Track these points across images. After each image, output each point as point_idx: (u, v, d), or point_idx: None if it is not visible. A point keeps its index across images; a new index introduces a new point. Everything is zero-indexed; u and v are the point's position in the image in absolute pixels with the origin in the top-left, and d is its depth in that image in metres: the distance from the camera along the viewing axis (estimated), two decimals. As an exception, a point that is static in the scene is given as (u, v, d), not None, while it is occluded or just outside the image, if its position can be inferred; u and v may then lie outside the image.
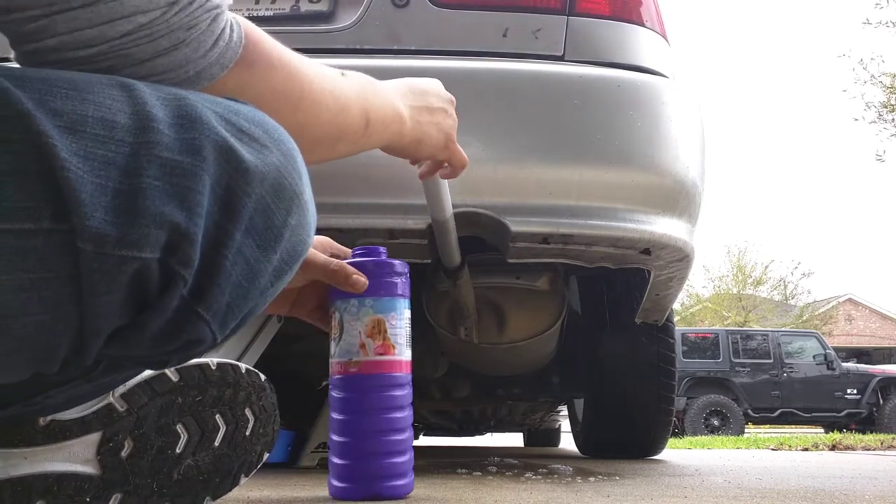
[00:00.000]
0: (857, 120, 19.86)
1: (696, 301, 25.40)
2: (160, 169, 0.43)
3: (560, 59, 1.50)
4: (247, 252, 0.48)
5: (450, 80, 1.48)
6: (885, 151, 23.05)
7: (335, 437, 0.98)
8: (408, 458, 1.00)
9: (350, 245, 1.52)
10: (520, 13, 1.52)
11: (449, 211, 1.23)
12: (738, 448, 5.25)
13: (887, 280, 46.63)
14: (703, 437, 9.26)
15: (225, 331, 0.50)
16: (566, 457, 2.85)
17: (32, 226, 0.39)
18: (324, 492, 1.14)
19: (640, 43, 1.55)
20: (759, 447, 5.34)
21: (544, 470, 1.76)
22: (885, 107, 15.20)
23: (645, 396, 2.26)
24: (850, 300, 27.54)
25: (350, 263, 0.98)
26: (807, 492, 1.35)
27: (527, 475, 1.61)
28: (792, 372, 12.22)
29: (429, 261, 1.55)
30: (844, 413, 11.98)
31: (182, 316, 0.46)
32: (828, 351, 12.45)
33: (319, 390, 2.30)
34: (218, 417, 0.78)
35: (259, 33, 0.58)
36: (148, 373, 0.73)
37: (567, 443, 5.28)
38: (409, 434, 1.00)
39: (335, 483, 0.99)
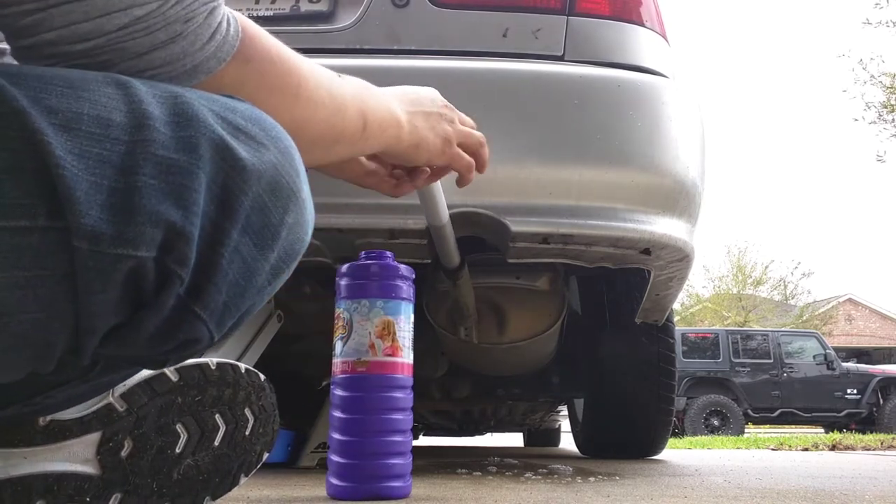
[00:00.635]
0: (857, 120, 19.87)
1: (696, 301, 25.40)
2: (156, 167, 0.43)
3: (560, 59, 1.50)
4: (244, 251, 0.48)
5: (450, 81, 1.49)
6: (885, 152, 23.06)
7: (337, 436, 0.99)
8: (407, 460, 1.00)
9: (350, 245, 1.53)
10: (520, 13, 1.52)
11: (445, 217, 1.23)
12: (738, 448, 5.25)
13: (887, 280, 46.68)
14: (703, 437, 9.26)
15: (222, 330, 0.50)
16: (566, 457, 2.85)
17: (28, 223, 0.39)
18: (323, 492, 1.14)
19: (639, 43, 1.55)
20: (759, 447, 5.34)
21: (544, 470, 1.76)
22: (885, 107, 15.19)
23: (645, 396, 2.26)
24: (850, 300, 27.53)
25: (359, 266, 0.98)
26: (807, 492, 1.35)
27: (527, 475, 1.61)
28: (792, 372, 12.22)
29: (429, 261, 1.55)
30: (844, 413, 11.98)
31: (178, 315, 0.46)
32: (828, 351, 12.45)
33: (319, 390, 2.30)
34: (217, 417, 0.78)
35: (256, 28, 0.58)
36: (147, 372, 0.73)
37: (567, 443, 5.28)
38: (409, 436, 1.01)
39: (335, 482, 0.99)
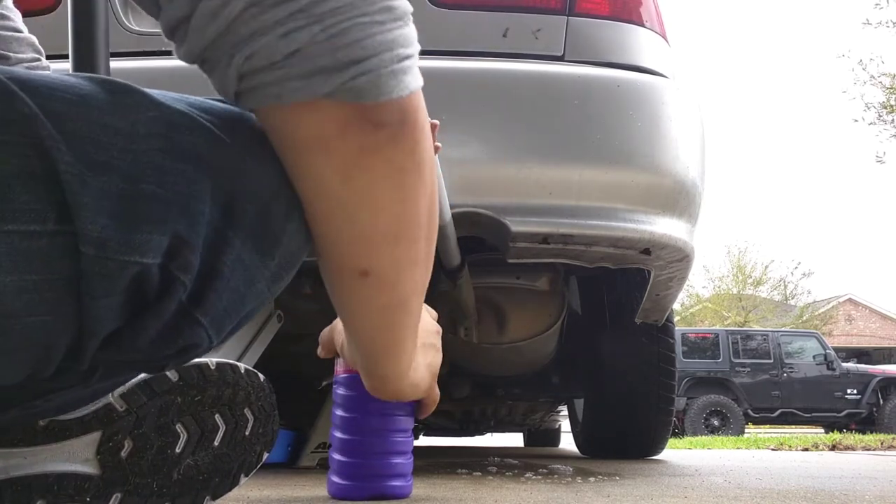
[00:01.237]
0: (856, 121, 19.84)
1: (696, 301, 25.41)
2: (162, 175, 0.43)
3: (560, 59, 1.50)
4: (246, 258, 0.48)
5: (449, 80, 1.49)
6: (885, 153, 23.09)
7: (339, 435, 0.98)
8: (409, 459, 1.00)
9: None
10: (520, 13, 1.52)
11: (447, 216, 1.24)
12: (738, 448, 5.25)
13: (887, 280, 46.67)
14: (703, 437, 9.26)
15: (221, 335, 0.51)
16: (566, 457, 2.85)
17: (38, 227, 0.40)
18: (324, 492, 1.14)
19: (639, 43, 1.56)
20: (759, 447, 5.34)
21: (544, 470, 1.76)
22: (885, 107, 15.20)
23: (645, 396, 2.26)
24: (850, 300, 27.54)
25: None
26: (807, 492, 1.35)
27: (527, 475, 1.61)
28: (792, 372, 12.22)
29: (429, 261, 1.55)
30: (844, 413, 11.99)
31: (179, 321, 0.47)
32: (828, 351, 12.46)
33: (319, 390, 2.30)
34: (217, 417, 0.78)
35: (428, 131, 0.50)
36: (147, 373, 0.73)
37: (567, 443, 5.28)
38: (410, 436, 1.01)
39: (336, 480, 0.99)
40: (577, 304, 2.33)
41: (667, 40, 1.64)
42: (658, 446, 2.47)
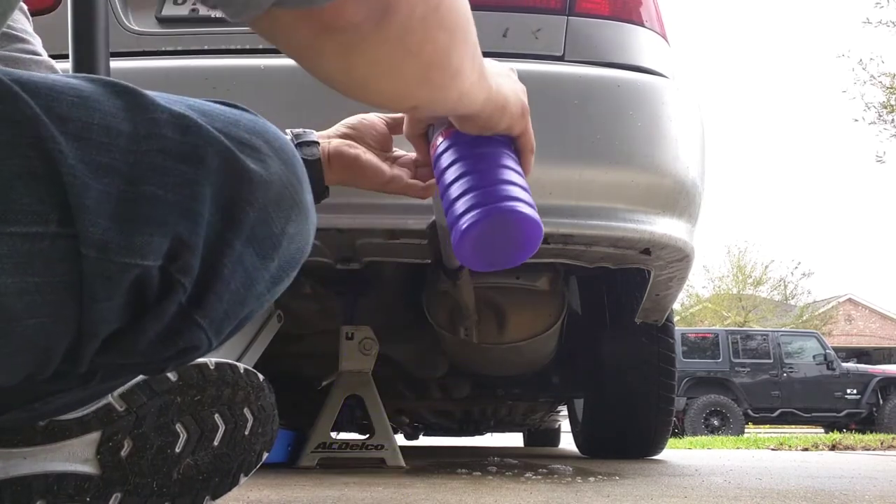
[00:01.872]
0: (857, 121, 19.83)
1: (696, 301, 25.41)
2: (163, 177, 0.43)
3: (560, 59, 1.50)
4: (246, 260, 0.48)
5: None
6: (885, 153, 23.07)
7: (456, 184, 0.80)
8: (529, 196, 0.80)
9: (350, 245, 1.53)
10: (520, 13, 1.52)
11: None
12: (738, 448, 5.25)
13: (887, 280, 46.69)
14: (703, 437, 9.26)
15: (220, 336, 0.51)
16: (566, 457, 2.85)
17: (41, 229, 0.40)
18: (324, 492, 1.14)
19: (639, 43, 1.55)
20: (759, 447, 5.34)
21: (544, 470, 1.76)
22: (885, 107, 15.20)
23: (645, 396, 2.26)
24: (850, 300, 27.54)
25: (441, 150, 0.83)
26: (807, 492, 1.35)
27: (527, 475, 1.61)
28: (792, 372, 12.22)
29: (429, 261, 1.55)
30: (844, 413, 11.99)
31: (179, 323, 0.47)
32: (828, 351, 12.46)
33: (319, 390, 2.30)
34: (217, 417, 0.78)
35: None
36: (147, 372, 0.73)
37: (567, 443, 5.28)
38: (522, 174, 0.83)
39: (465, 222, 0.77)
40: (577, 304, 2.33)
41: (667, 40, 1.64)
42: (658, 446, 2.47)
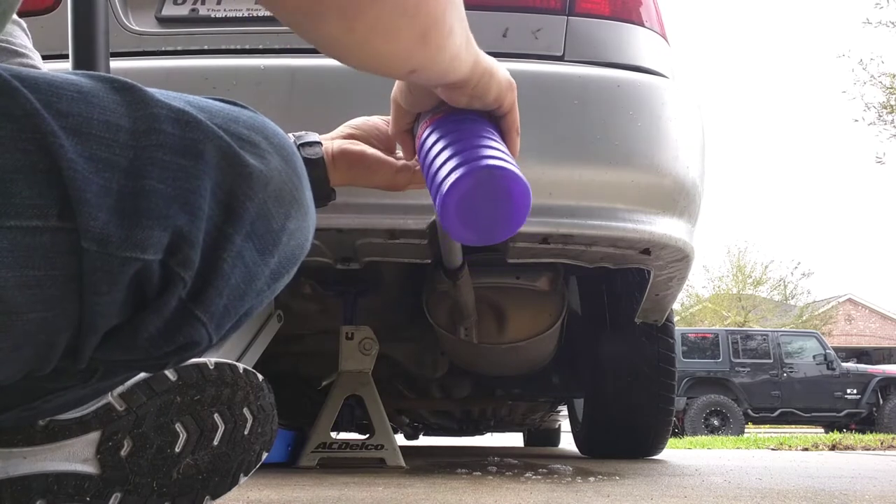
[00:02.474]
0: (856, 121, 19.86)
1: (696, 301, 25.40)
2: (163, 171, 0.44)
3: (560, 59, 1.50)
4: (246, 255, 0.49)
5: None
6: (884, 153, 23.09)
7: (438, 158, 0.76)
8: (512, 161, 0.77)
9: (350, 245, 1.53)
10: (520, 13, 1.52)
11: None
12: (738, 448, 5.25)
13: (887, 280, 46.69)
14: (703, 437, 9.26)
15: (221, 332, 0.51)
16: (566, 457, 2.86)
17: (41, 223, 0.40)
18: (324, 492, 1.14)
19: (639, 43, 1.56)
20: (759, 447, 5.34)
21: (544, 470, 1.76)
22: (885, 108, 15.19)
23: (645, 396, 2.26)
24: (850, 300, 27.54)
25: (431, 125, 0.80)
26: (807, 492, 1.35)
27: (527, 475, 1.61)
28: (792, 372, 12.22)
29: (429, 261, 1.55)
30: (844, 413, 11.99)
31: (179, 318, 0.47)
32: (828, 351, 12.46)
33: (319, 390, 2.30)
34: (216, 417, 0.78)
35: None
36: (147, 372, 0.73)
37: (567, 443, 5.28)
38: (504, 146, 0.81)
39: (447, 183, 0.73)
40: (577, 304, 2.33)
41: (667, 40, 1.64)
42: (658, 446, 2.47)
